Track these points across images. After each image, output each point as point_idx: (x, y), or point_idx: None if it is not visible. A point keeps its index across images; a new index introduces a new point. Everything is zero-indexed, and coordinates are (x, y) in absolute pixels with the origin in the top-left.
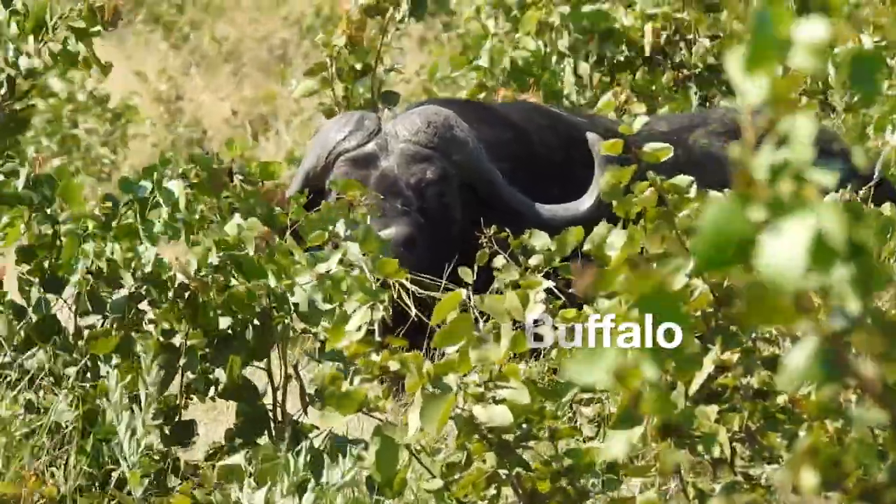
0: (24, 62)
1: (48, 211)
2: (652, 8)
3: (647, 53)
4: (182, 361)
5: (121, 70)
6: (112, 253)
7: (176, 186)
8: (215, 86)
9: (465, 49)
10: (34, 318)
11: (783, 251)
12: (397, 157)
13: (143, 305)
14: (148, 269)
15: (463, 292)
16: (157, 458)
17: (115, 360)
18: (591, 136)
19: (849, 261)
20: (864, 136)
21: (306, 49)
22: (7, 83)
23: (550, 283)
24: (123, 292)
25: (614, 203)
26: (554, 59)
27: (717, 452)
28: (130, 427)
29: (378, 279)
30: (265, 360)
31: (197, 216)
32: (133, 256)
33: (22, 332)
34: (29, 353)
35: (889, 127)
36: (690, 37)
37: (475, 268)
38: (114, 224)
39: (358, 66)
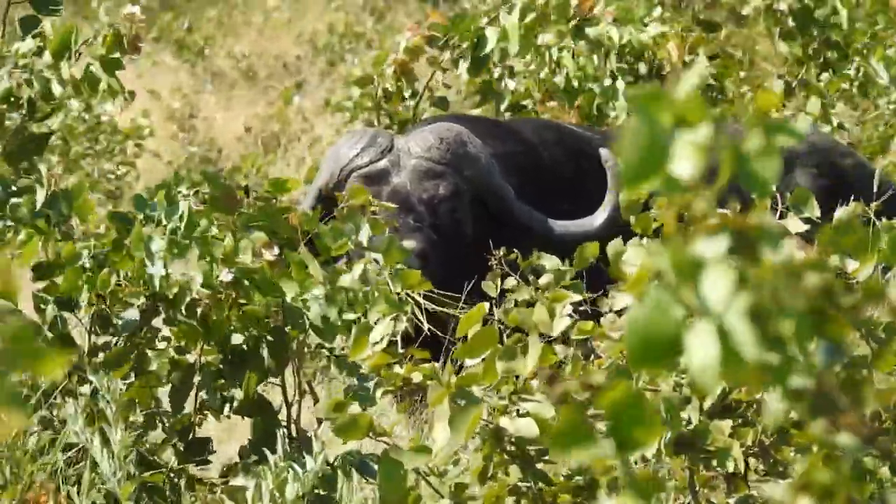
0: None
1: (63, 228)
2: (660, 26)
3: (668, 69)
4: (196, 379)
5: (134, 89)
6: (121, 275)
7: (184, 205)
8: (229, 104)
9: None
10: (49, 336)
11: (699, 353)
12: (410, 173)
13: (158, 321)
14: (154, 287)
15: (486, 305)
16: (171, 474)
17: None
18: (604, 152)
19: (771, 352)
20: (887, 147)
21: (321, 67)
22: (28, 104)
23: (577, 297)
24: (133, 313)
25: (632, 219)
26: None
27: (731, 467)
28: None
29: (400, 291)
30: (280, 375)
31: (210, 234)
32: (141, 275)
33: None
34: None
35: None
36: (690, 57)
37: (498, 283)
38: (124, 242)
39: (406, 94)
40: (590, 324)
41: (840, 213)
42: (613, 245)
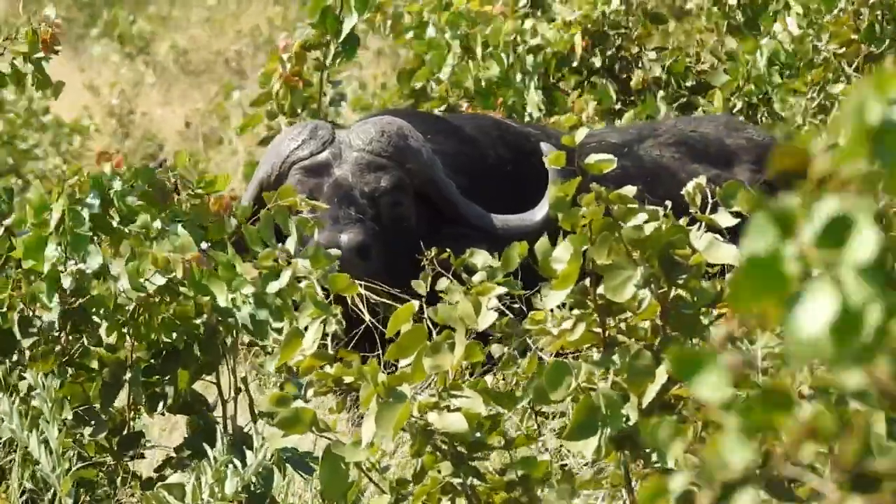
0: None
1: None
2: (569, 15)
3: (577, 62)
4: (127, 375)
5: (74, 84)
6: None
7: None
8: (170, 98)
9: (421, 63)
10: None
11: (807, 321)
12: (351, 166)
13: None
14: (68, 284)
15: (416, 304)
16: (109, 469)
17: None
18: (545, 147)
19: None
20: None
21: (261, 61)
22: None
23: (503, 290)
24: (52, 315)
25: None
26: (518, 76)
27: (671, 463)
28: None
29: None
30: (214, 373)
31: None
32: (60, 272)
33: None
34: None
35: None
36: (636, 50)
37: (429, 282)
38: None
39: (298, 109)
40: (540, 314)
41: None
42: (542, 243)
